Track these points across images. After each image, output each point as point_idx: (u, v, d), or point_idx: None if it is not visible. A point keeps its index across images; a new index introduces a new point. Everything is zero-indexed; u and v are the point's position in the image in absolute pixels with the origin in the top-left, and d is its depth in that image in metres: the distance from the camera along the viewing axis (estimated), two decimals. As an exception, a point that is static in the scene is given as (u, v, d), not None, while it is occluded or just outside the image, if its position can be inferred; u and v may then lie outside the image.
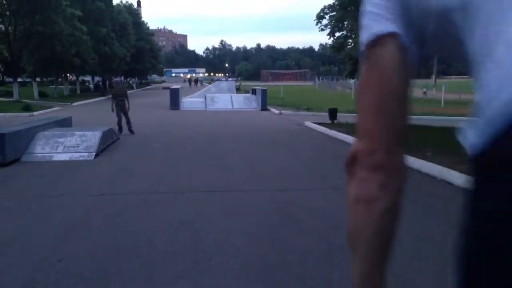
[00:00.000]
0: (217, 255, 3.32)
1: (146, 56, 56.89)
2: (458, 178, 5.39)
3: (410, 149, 7.00)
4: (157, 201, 4.92)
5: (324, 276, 2.98)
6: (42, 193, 5.29)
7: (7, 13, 23.86)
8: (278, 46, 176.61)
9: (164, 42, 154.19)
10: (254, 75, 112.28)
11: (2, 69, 43.73)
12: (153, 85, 67.41)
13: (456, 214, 0.64)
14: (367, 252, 0.62)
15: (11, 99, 23.71)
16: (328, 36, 17.70)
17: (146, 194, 5.23)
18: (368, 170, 0.61)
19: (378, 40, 0.63)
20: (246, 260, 3.26)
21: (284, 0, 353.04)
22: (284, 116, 17.60)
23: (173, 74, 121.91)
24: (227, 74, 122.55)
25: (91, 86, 42.12)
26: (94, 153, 7.74)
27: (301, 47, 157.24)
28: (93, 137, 8.13)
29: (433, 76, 46.16)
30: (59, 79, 33.94)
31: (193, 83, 57.83)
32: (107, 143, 8.70)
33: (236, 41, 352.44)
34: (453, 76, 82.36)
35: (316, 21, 17.97)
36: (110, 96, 12.42)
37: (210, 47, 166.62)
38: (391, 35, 0.63)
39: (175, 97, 20.63)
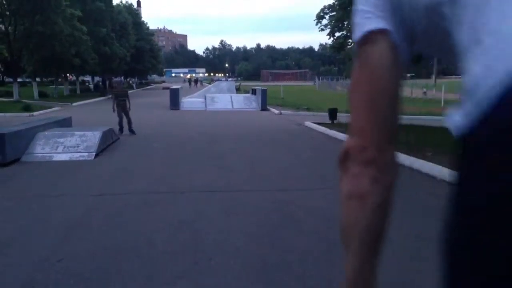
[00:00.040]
0: (217, 255, 3.32)
1: (146, 56, 56.89)
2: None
3: (410, 149, 7.01)
4: (157, 201, 4.92)
5: (324, 276, 2.98)
6: (42, 193, 5.29)
7: (7, 13, 23.86)
8: (278, 46, 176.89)
9: (164, 42, 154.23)
10: (254, 75, 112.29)
11: (2, 69, 43.74)
12: (153, 85, 67.45)
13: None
14: (359, 248, 0.62)
15: (11, 99, 23.71)
16: (328, 36, 17.69)
17: (146, 194, 5.23)
18: (361, 165, 0.62)
19: (369, 37, 0.64)
20: (246, 260, 3.26)
21: (284, 0, 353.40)
22: (284, 116, 17.60)
23: (173, 74, 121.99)
24: (227, 74, 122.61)
25: (91, 86, 42.13)
26: (94, 153, 7.74)
27: (301, 47, 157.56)
28: (93, 137, 8.13)
29: (433, 76, 46.21)
30: (59, 79, 33.94)
31: (193, 83, 57.83)
32: (107, 143, 8.70)
33: (236, 41, 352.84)
34: (453, 76, 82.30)
35: (316, 21, 17.96)
36: (110, 96, 12.43)
37: (210, 47, 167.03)
38: (381, 32, 0.64)
39: (175, 97, 20.63)
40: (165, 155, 8.25)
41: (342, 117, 13.26)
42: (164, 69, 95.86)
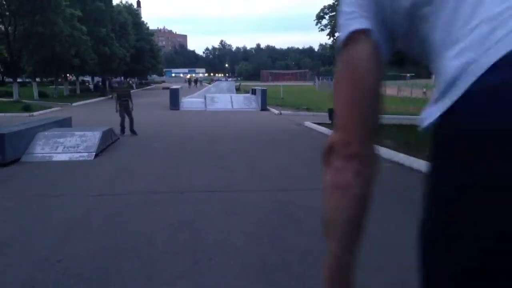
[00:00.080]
0: (217, 255, 3.32)
1: (146, 56, 56.85)
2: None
3: (410, 149, 7.01)
4: (157, 201, 4.92)
5: (324, 276, 2.98)
6: (42, 193, 5.29)
7: (7, 13, 23.85)
8: (278, 46, 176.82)
9: (164, 42, 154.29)
10: (254, 75, 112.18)
11: (2, 70, 43.71)
12: (153, 85, 67.40)
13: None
14: (341, 237, 0.67)
15: (11, 99, 23.68)
16: (328, 36, 17.69)
17: (146, 194, 5.23)
18: (344, 159, 0.66)
19: (352, 37, 0.66)
20: (246, 260, 3.26)
21: (284, 0, 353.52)
22: (284, 116, 17.60)
23: (173, 74, 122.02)
24: (227, 74, 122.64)
25: (91, 86, 42.10)
26: (94, 153, 7.74)
27: (301, 47, 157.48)
28: (93, 137, 8.14)
29: (433, 76, 46.16)
30: (59, 79, 33.92)
31: (192, 83, 57.80)
32: (107, 143, 8.70)
33: (236, 41, 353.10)
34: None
35: (316, 21, 17.97)
36: (111, 96, 12.46)
37: (210, 47, 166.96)
38: (364, 32, 0.66)
39: (175, 97, 20.63)
40: (165, 155, 8.26)
41: (342, 117, 13.26)
42: (164, 69, 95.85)
